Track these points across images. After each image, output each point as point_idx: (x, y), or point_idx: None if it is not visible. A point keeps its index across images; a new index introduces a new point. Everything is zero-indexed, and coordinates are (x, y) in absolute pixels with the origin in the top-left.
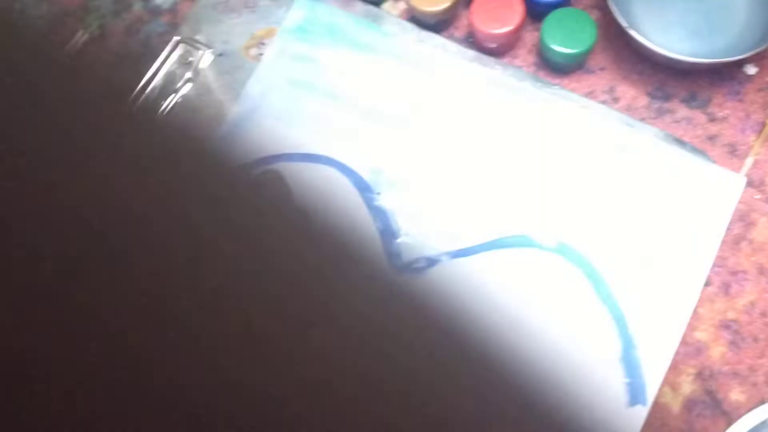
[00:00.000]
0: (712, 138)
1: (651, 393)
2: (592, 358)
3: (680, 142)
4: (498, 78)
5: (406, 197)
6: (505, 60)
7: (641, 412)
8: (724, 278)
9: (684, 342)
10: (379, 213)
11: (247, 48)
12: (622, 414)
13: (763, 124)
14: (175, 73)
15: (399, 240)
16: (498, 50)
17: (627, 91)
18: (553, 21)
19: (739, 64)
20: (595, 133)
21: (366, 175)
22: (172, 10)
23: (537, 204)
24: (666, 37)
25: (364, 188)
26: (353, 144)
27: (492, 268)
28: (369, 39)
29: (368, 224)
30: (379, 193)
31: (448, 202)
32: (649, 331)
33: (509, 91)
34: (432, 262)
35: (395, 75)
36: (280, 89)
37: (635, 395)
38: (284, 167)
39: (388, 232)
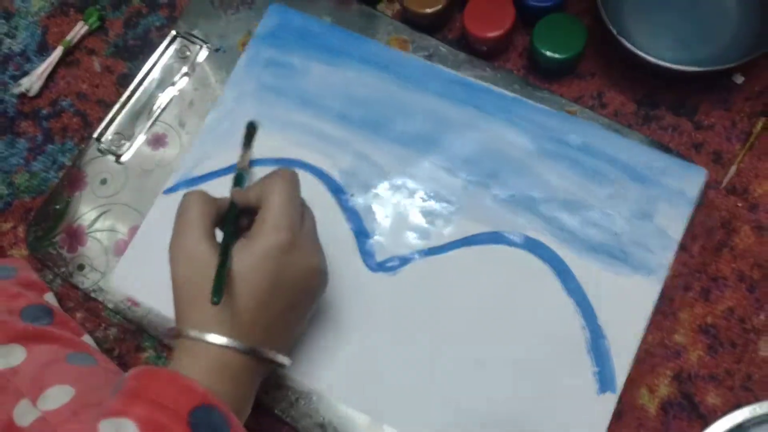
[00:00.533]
0: (697, 146)
1: (620, 381)
2: (561, 349)
3: (648, 139)
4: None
5: (378, 198)
6: (497, 63)
7: (611, 400)
8: (704, 284)
9: (662, 345)
10: (352, 214)
11: (244, 44)
12: (593, 402)
13: (749, 134)
14: (173, 67)
15: (372, 240)
16: (489, 53)
17: (615, 98)
18: (544, 26)
19: (728, 73)
20: (556, 132)
21: (338, 178)
22: (171, 4)
23: (504, 201)
24: (655, 45)
25: (336, 190)
26: (325, 147)
27: (463, 264)
28: (340, 44)
29: (342, 225)
30: (352, 195)
31: (419, 201)
32: (616, 321)
33: (479, 94)
34: (405, 260)
35: (365, 80)
36: (253, 94)
37: (604, 383)
38: (258, 171)
39: (362, 233)
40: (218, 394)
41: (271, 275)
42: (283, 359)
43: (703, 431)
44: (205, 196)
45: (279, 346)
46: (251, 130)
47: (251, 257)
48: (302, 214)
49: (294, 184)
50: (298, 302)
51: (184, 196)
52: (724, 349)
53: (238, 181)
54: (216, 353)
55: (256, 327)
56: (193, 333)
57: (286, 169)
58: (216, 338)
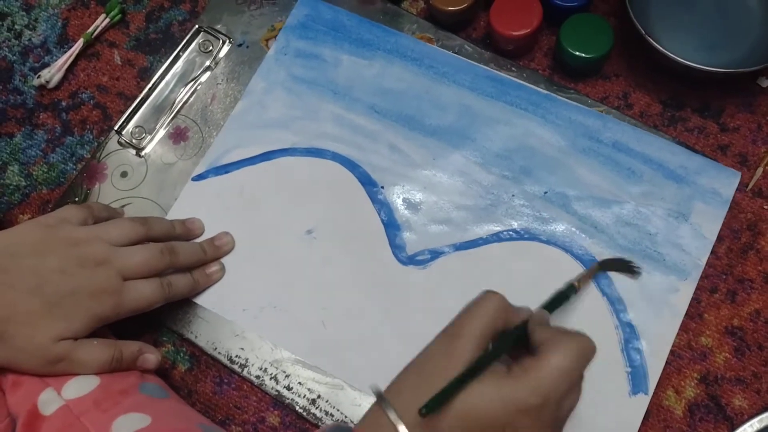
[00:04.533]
0: (723, 148)
1: (652, 382)
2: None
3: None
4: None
5: (409, 191)
6: (522, 63)
7: (643, 401)
8: (730, 286)
9: (689, 347)
10: (383, 207)
11: (267, 39)
12: (625, 402)
13: None
14: (195, 61)
15: (403, 233)
16: (515, 52)
17: (641, 98)
18: (571, 25)
19: (753, 75)
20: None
21: (369, 170)
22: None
23: (537, 198)
24: (681, 47)
25: (368, 182)
26: (356, 139)
27: (494, 260)
28: (371, 37)
29: (373, 218)
30: (383, 187)
31: (451, 195)
32: (649, 321)
33: (511, 90)
34: (436, 254)
35: (397, 73)
36: (283, 85)
37: (637, 384)
38: (288, 161)
39: (393, 226)
40: None
41: (500, 425)
42: None
43: None
44: (506, 304)
45: None
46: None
47: (494, 393)
48: (570, 392)
49: (586, 359)
50: None
51: (488, 294)
52: (750, 351)
53: (557, 301)
54: None
55: None
56: (391, 415)
57: (589, 339)
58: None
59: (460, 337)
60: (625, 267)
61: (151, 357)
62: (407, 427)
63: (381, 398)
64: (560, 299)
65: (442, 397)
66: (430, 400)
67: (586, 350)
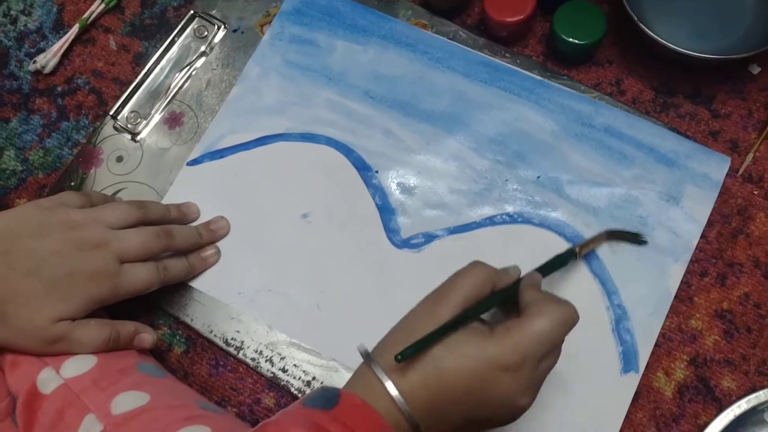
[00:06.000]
0: (714, 134)
1: (643, 360)
2: (585, 329)
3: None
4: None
5: (403, 176)
6: (515, 49)
7: (634, 379)
8: (720, 270)
9: (679, 330)
10: (377, 191)
11: (262, 25)
12: (616, 381)
13: (765, 123)
14: (190, 47)
15: (397, 217)
16: (508, 39)
17: (633, 85)
18: (564, 12)
19: (744, 62)
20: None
21: (364, 155)
22: None
23: (531, 182)
24: (673, 34)
25: (362, 167)
26: (351, 124)
27: (488, 243)
28: (365, 23)
29: (367, 202)
30: (377, 172)
31: (445, 180)
32: (640, 302)
33: (504, 75)
34: (430, 238)
35: (391, 58)
36: (278, 71)
37: (628, 363)
38: (283, 146)
39: (387, 210)
40: None
41: (479, 380)
42: None
43: (718, 414)
44: (491, 271)
45: None
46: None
47: (475, 349)
48: (548, 355)
49: (567, 326)
50: (478, 420)
51: (474, 264)
52: (739, 334)
53: (554, 264)
54: (388, 403)
55: (432, 411)
56: (379, 373)
57: (573, 308)
58: (392, 389)
59: (443, 299)
60: (632, 237)
61: (147, 336)
62: (391, 380)
63: (367, 356)
64: (557, 263)
65: (420, 345)
66: (406, 348)
67: (569, 318)
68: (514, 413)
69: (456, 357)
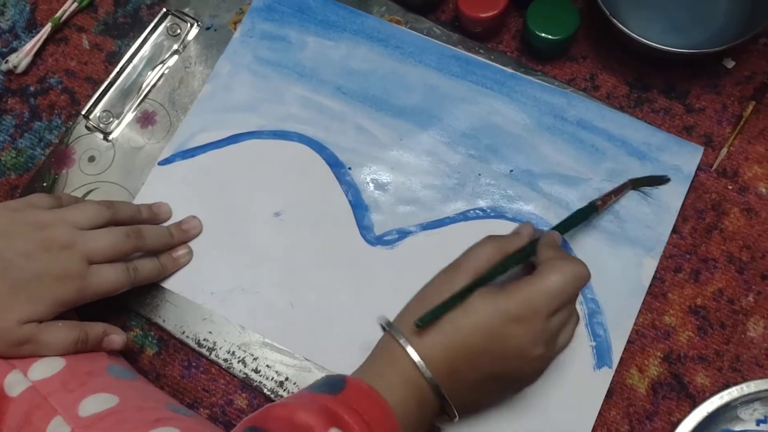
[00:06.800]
0: (688, 128)
1: (616, 355)
2: None
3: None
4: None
5: (376, 172)
6: (490, 45)
7: (607, 374)
8: (694, 265)
9: (653, 326)
10: (350, 188)
11: (235, 22)
12: (589, 376)
13: (740, 117)
14: (163, 45)
15: (370, 214)
16: (483, 35)
17: (608, 80)
18: (537, 7)
19: (718, 57)
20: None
21: (336, 151)
22: None
23: (503, 176)
24: (647, 28)
25: (334, 164)
26: (323, 120)
27: (462, 239)
28: (337, 18)
29: (340, 199)
30: (350, 168)
31: (418, 175)
32: (613, 296)
33: (477, 69)
34: (404, 234)
35: (363, 54)
36: (249, 68)
37: (601, 358)
38: (255, 144)
39: (360, 207)
40: (406, 416)
41: (493, 334)
42: (455, 413)
43: (692, 411)
44: (503, 242)
45: (458, 401)
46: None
47: (488, 306)
48: (560, 310)
49: (578, 283)
50: (500, 377)
51: (487, 237)
52: (713, 330)
53: (574, 219)
54: (410, 369)
55: (452, 372)
56: (400, 339)
57: (585, 266)
58: (413, 354)
59: (458, 270)
60: (658, 180)
61: (117, 338)
62: (411, 345)
63: (389, 324)
64: (578, 218)
65: (439, 311)
66: (425, 314)
67: (580, 275)
68: (533, 366)
69: (471, 316)
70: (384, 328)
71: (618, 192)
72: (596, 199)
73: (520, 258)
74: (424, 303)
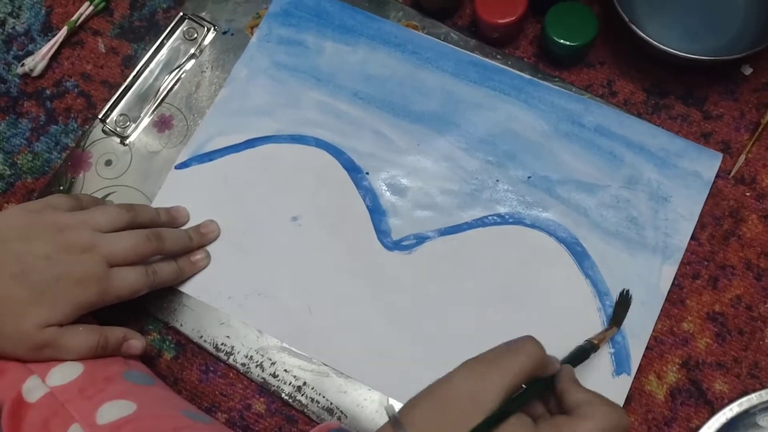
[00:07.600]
0: (706, 135)
1: (635, 362)
2: (577, 331)
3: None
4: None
5: (394, 177)
6: (507, 51)
7: (626, 381)
8: (712, 272)
9: (671, 332)
10: (367, 193)
11: (252, 27)
12: (608, 383)
13: (757, 124)
14: (179, 49)
15: (388, 218)
16: (500, 40)
17: (625, 86)
18: (555, 14)
19: (736, 63)
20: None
21: (354, 156)
22: None
23: (521, 182)
24: (666, 35)
25: (352, 169)
26: (340, 126)
27: (479, 244)
28: (354, 23)
29: (358, 204)
30: (367, 173)
31: (436, 181)
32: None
33: (494, 75)
34: (421, 239)
35: (381, 59)
36: (266, 72)
37: (620, 365)
38: (272, 148)
39: (378, 211)
40: None
41: None
42: None
43: (710, 418)
44: (543, 356)
45: None
46: (625, 301)
47: None
48: None
49: (622, 428)
50: None
51: (528, 340)
52: (731, 336)
53: (578, 355)
54: None
55: None
56: None
57: (624, 413)
58: None
59: (489, 381)
60: (626, 302)
61: (136, 343)
62: None
63: (397, 422)
64: (581, 355)
65: None
66: None
67: (621, 424)
68: None
69: None
70: (390, 418)
71: (607, 335)
72: (592, 338)
73: (547, 386)
74: (440, 408)
